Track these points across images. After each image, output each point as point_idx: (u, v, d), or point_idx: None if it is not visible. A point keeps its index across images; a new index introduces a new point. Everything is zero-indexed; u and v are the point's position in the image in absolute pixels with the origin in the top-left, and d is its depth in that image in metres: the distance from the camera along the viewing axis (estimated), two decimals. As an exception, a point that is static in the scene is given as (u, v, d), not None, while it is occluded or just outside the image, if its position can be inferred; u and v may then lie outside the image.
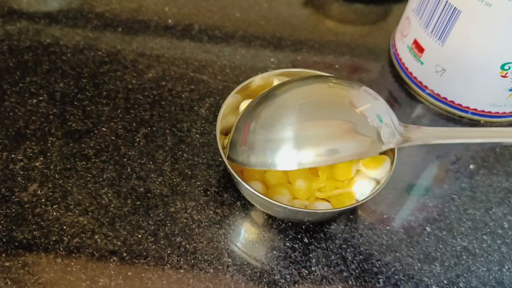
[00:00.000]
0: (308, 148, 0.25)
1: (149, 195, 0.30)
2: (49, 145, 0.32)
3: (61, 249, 0.27)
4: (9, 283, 0.26)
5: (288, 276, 0.28)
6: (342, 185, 0.28)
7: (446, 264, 0.29)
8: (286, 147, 0.25)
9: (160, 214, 0.29)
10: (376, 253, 0.29)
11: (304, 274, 0.28)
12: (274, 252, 0.29)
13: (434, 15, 0.34)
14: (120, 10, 0.43)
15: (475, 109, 0.37)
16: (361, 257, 0.29)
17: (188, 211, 0.30)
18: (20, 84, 0.35)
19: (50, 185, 0.30)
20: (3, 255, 0.27)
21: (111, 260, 0.27)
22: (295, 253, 0.29)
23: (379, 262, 0.29)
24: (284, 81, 0.28)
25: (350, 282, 0.28)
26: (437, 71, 0.36)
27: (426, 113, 0.38)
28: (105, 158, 0.32)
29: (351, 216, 0.31)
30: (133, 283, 0.27)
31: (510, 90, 0.35)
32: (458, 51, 0.34)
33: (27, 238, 0.28)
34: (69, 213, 0.29)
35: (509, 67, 0.33)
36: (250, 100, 0.31)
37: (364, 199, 0.27)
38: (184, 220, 0.29)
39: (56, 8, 0.42)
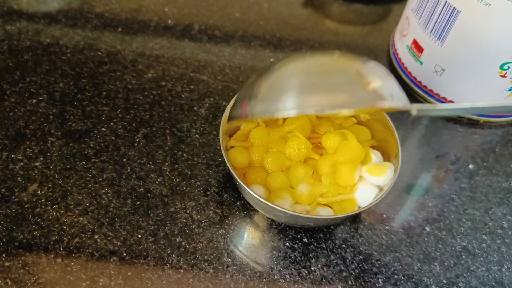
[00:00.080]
0: (310, 93, 0.25)
1: (149, 195, 0.30)
2: (49, 145, 0.32)
3: (61, 249, 0.27)
4: (9, 283, 0.26)
5: (288, 276, 0.28)
6: (345, 191, 0.28)
7: (445, 264, 0.29)
8: (288, 93, 0.25)
9: (160, 214, 0.29)
10: (375, 253, 0.29)
11: (304, 274, 0.28)
12: (274, 252, 0.29)
13: (433, 15, 0.34)
14: (119, 10, 0.43)
15: (475, 109, 0.37)
16: (360, 257, 0.29)
17: (188, 211, 0.30)
18: (20, 84, 0.35)
19: (50, 185, 0.30)
20: (3, 255, 0.27)
21: (111, 260, 0.27)
22: (295, 253, 0.29)
23: (379, 262, 0.29)
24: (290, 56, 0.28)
25: (349, 282, 0.28)
26: (436, 70, 0.36)
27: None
28: (105, 158, 0.32)
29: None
30: (133, 283, 0.27)
31: (509, 90, 0.35)
32: (457, 51, 0.34)
33: (27, 238, 0.28)
34: (69, 213, 0.29)
35: (508, 67, 0.33)
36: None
37: (366, 206, 0.27)
38: (184, 220, 0.29)
39: (56, 8, 0.42)
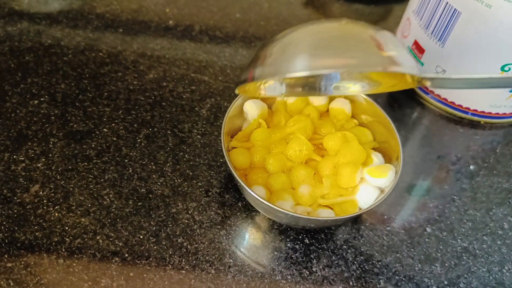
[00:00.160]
0: (322, 53, 0.24)
1: (150, 196, 0.30)
2: (51, 146, 0.32)
3: (63, 250, 0.28)
4: (11, 284, 0.26)
5: (289, 277, 0.28)
6: (346, 193, 0.28)
7: (446, 264, 0.29)
8: (300, 55, 0.24)
9: (162, 215, 0.30)
10: (376, 254, 0.29)
11: (305, 274, 0.28)
12: (276, 253, 0.29)
13: (435, 16, 0.34)
14: (120, 11, 0.43)
15: (475, 110, 0.37)
16: (362, 257, 0.29)
17: (190, 212, 0.30)
18: (22, 85, 0.35)
19: (51, 186, 0.30)
20: (5, 256, 0.27)
21: (113, 260, 0.27)
22: (296, 254, 0.29)
23: (380, 263, 0.29)
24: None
25: (351, 283, 0.28)
26: (437, 72, 0.36)
27: (426, 114, 0.38)
28: (107, 159, 0.32)
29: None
30: (135, 283, 0.27)
31: (510, 91, 0.35)
32: (458, 52, 0.34)
33: (29, 239, 0.28)
34: (70, 214, 0.29)
35: (509, 68, 0.33)
36: (253, 100, 0.31)
37: (367, 208, 0.27)
38: (186, 221, 0.29)
39: (57, 9, 0.42)
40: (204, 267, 0.28)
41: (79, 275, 0.27)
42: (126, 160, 0.32)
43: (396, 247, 0.30)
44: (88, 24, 0.41)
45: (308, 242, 0.29)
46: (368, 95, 0.31)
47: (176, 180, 0.31)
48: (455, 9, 0.33)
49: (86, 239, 0.28)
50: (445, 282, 0.29)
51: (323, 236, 0.30)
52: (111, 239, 0.28)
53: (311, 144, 0.29)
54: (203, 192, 0.31)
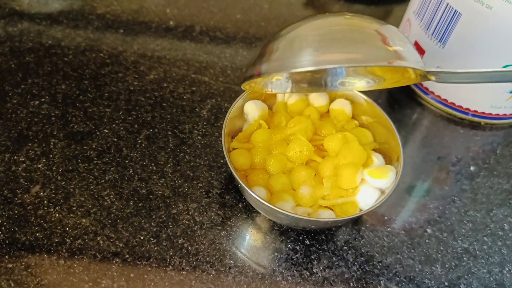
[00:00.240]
0: (327, 48, 0.24)
1: (151, 196, 0.30)
2: (51, 146, 0.32)
3: (64, 250, 0.28)
4: (12, 285, 0.26)
5: (289, 278, 0.28)
6: (346, 194, 0.28)
7: (447, 266, 0.29)
8: (305, 50, 0.24)
9: (162, 216, 0.30)
10: (377, 255, 0.29)
11: (306, 275, 0.28)
12: (276, 254, 0.29)
13: (435, 17, 0.34)
14: (121, 12, 0.43)
15: (476, 111, 0.37)
16: (362, 258, 0.29)
17: (190, 213, 0.30)
18: (22, 86, 0.35)
19: (52, 187, 0.30)
20: (6, 256, 0.27)
21: (114, 261, 0.27)
22: (297, 255, 0.29)
23: (380, 264, 0.29)
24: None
25: (351, 284, 0.28)
26: (438, 73, 0.36)
27: (427, 114, 0.38)
28: (107, 160, 0.32)
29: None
30: (136, 284, 0.27)
31: (511, 92, 0.35)
32: (458, 53, 0.34)
33: (29, 239, 0.28)
34: (71, 215, 0.29)
35: (510, 69, 0.33)
36: (254, 101, 0.31)
37: (368, 209, 0.27)
38: (186, 222, 0.29)
39: (58, 9, 0.42)
40: (204, 268, 0.28)
41: (79, 276, 0.27)
42: (126, 161, 0.32)
43: (397, 248, 0.30)
44: (89, 24, 0.41)
45: (308, 243, 0.29)
46: (369, 96, 0.31)
47: (176, 181, 0.31)
48: (455, 10, 0.33)
49: (86, 240, 0.28)
50: (446, 283, 0.29)
51: (323, 237, 0.30)
52: (111, 240, 0.28)
53: (312, 145, 0.29)
54: (204, 193, 0.31)
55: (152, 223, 0.29)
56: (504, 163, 0.35)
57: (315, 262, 0.29)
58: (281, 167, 0.29)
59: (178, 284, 0.27)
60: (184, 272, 0.27)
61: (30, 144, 0.32)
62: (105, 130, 0.33)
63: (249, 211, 0.30)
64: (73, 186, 0.30)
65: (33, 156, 0.31)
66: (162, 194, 0.30)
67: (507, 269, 0.30)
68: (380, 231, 0.31)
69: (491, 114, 0.37)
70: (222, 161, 0.32)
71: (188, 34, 0.41)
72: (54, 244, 0.28)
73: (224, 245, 0.29)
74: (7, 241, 0.28)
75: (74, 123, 0.34)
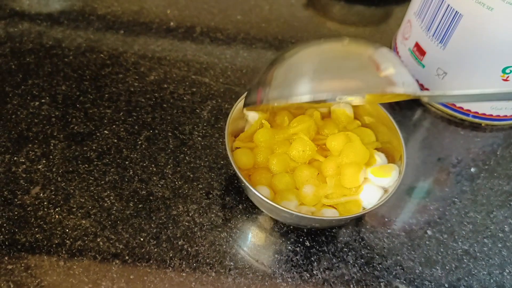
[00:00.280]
0: (323, 78, 0.25)
1: (151, 198, 0.30)
2: (52, 147, 0.32)
3: (64, 252, 0.28)
4: (12, 286, 0.26)
5: (290, 280, 0.28)
6: (350, 193, 0.28)
7: (447, 267, 0.29)
8: (302, 79, 0.25)
9: (162, 217, 0.29)
10: (377, 257, 0.29)
11: (306, 277, 0.28)
12: (276, 255, 0.29)
13: (436, 18, 0.34)
14: (121, 12, 0.43)
15: (476, 112, 0.37)
16: (362, 260, 0.29)
17: (190, 214, 0.30)
18: (22, 87, 0.35)
19: (52, 188, 0.30)
20: (6, 258, 0.27)
21: (114, 263, 0.27)
22: (297, 257, 0.29)
23: (380, 266, 0.29)
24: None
25: (351, 286, 0.28)
26: (438, 74, 0.36)
27: (427, 115, 0.38)
28: (107, 161, 0.32)
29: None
30: (135, 286, 0.27)
31: (511, 93, 0.35)
32: (459, 55, 0.34)
33: (29, 241, 0.28)
34: (71, 216, 0.29)
35: (511, 71, 0.33)
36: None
37: (371, 208, 0.27)
38: (186, 223, 0.29)
39: (58, 10, 0.42)
40: (204, 269, 0.28)
41: (79, 277, 0.27)
42: (126, 162, 0.32)
43: (397, 249, 0.30)
44: (89, 25, 0.41)
45: (308, 244, 0.29)
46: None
47: (176, 182, 0.31)
48: (456, 11, 0.33)
49: (86, 241, 0.28)
50: (446, 285, 0.29)
51: (323, 239, 0.30)
52: (111, 241, 0.28)
53: (314, 145, 0.29)
54: (204, 194, 0.31)
55: (152, 225, 0.29)
56: (505, 164, 0.35)
57: (315, 263, 0.29)
58: (284, 166, 0.29)
59: (178, 286, 0.27)
60: (184, 274, 0.27)
61: (30, 145, 0.32)
62: (105, 131, 0.33)
63: (249, 212, 0.30)
64: (73, 187, 0.30)
65: (33, 157, 0.31)
66: (162, 196, 0.30)
67: (508, 271, 0.30)
68: (380, 233, 0.31)
69: (491, 115, 0.37)
70: (222, 162, 0.32)
71: (188, 35, 0.41)
72: (54, 246, 0.28)
73: (224, 246, 0.29)
74: (7, 242, 0.28)
75: (74, 124, 0.34)
